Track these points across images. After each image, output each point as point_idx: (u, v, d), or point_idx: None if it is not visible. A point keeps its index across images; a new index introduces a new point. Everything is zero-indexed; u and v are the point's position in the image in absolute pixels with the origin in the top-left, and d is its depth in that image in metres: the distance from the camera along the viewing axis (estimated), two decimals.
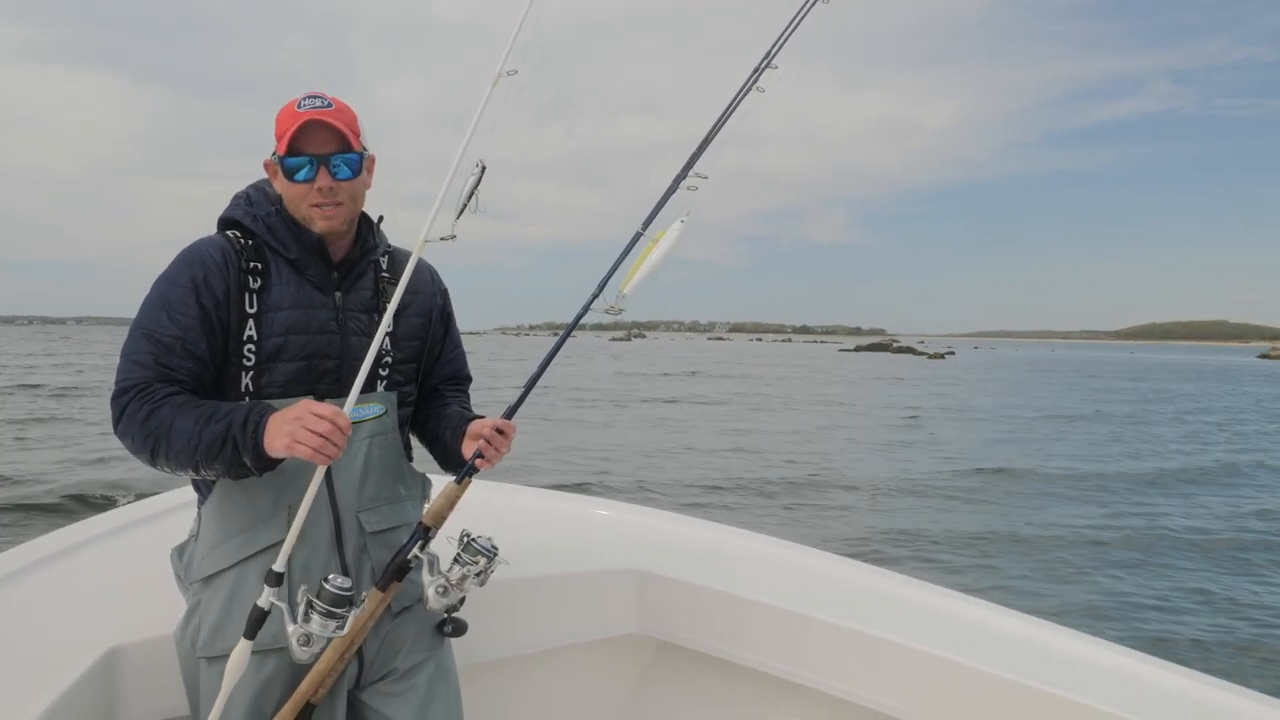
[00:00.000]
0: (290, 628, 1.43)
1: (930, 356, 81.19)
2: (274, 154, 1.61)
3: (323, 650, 1.48)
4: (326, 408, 1.44)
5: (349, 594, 1.45)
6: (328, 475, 1.60)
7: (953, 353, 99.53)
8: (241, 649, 1.42)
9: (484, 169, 1.55)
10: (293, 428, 1.41)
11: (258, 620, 1.43)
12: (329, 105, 1.60)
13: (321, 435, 1.41)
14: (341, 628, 1.44)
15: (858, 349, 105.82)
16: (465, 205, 1.54)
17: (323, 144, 1.58)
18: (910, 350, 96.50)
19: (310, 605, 1.43)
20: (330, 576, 1.45)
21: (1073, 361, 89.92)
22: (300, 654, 1.44)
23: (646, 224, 1.64)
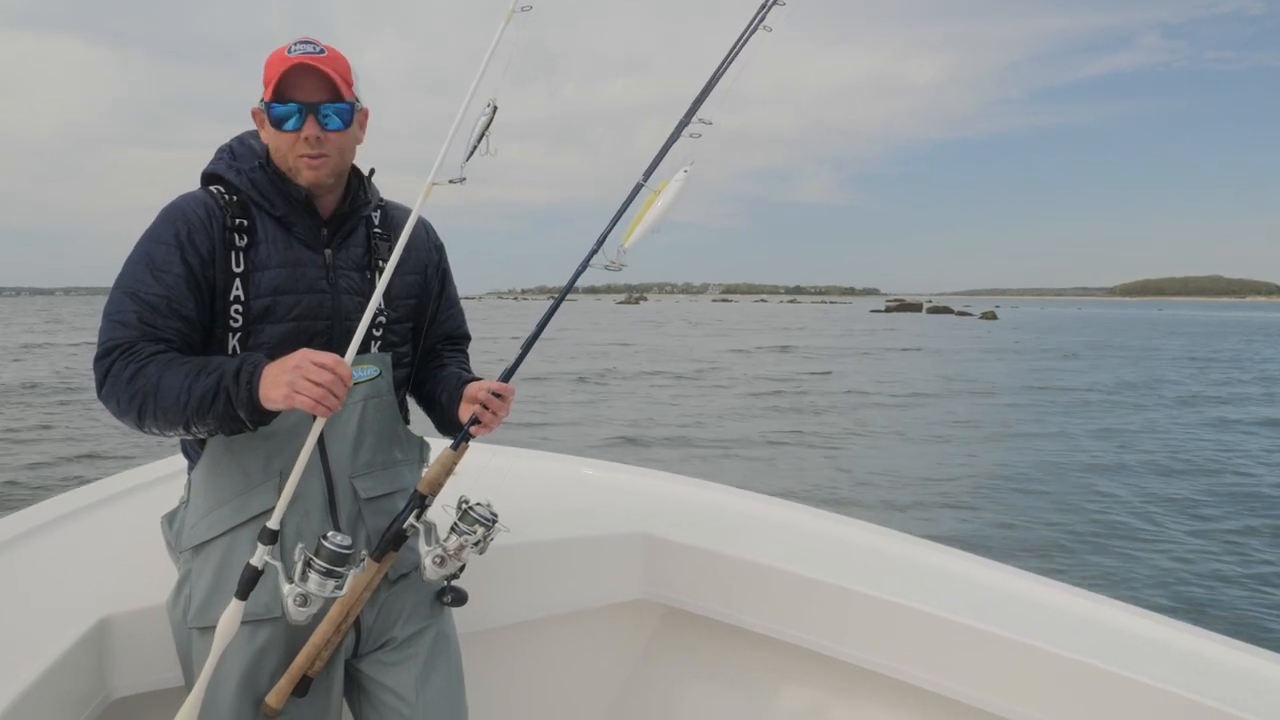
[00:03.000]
0: (286, 587, 1.46)
1: (981, 317, 78.81)
2: (261, 101, 1.62)
3: (321, 611, 1.52)
4: (327, 356, 1.45)
5: (348, 552, 1.48)
6: (320, 439, 1.62)
7: (994, 310, 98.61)
8: (233, 610, 1.46)
9: (495, 109, 1.55)
10: (292, 377, 1.43)
11: (251, 579, 1.46)
12: (321, 51, 1.60)
13: (322, 385, 1.43)
14: (340, 587, 1.48)
15: (888, 309, 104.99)
16: (475, 146, 1.55)
17: (311, 91, 1.59)
18: (946, 310, 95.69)
19: (308, 564, 1.46)
20: (329, 534, 1.48)
21: (1121, 320, 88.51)
22: (297, 615, 1.47)
23: (648, 174, 1.64)
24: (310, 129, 1.59)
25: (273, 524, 1.47)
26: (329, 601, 1.51)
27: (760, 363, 28.93)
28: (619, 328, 55.88)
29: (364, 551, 1.61)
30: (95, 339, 1.58)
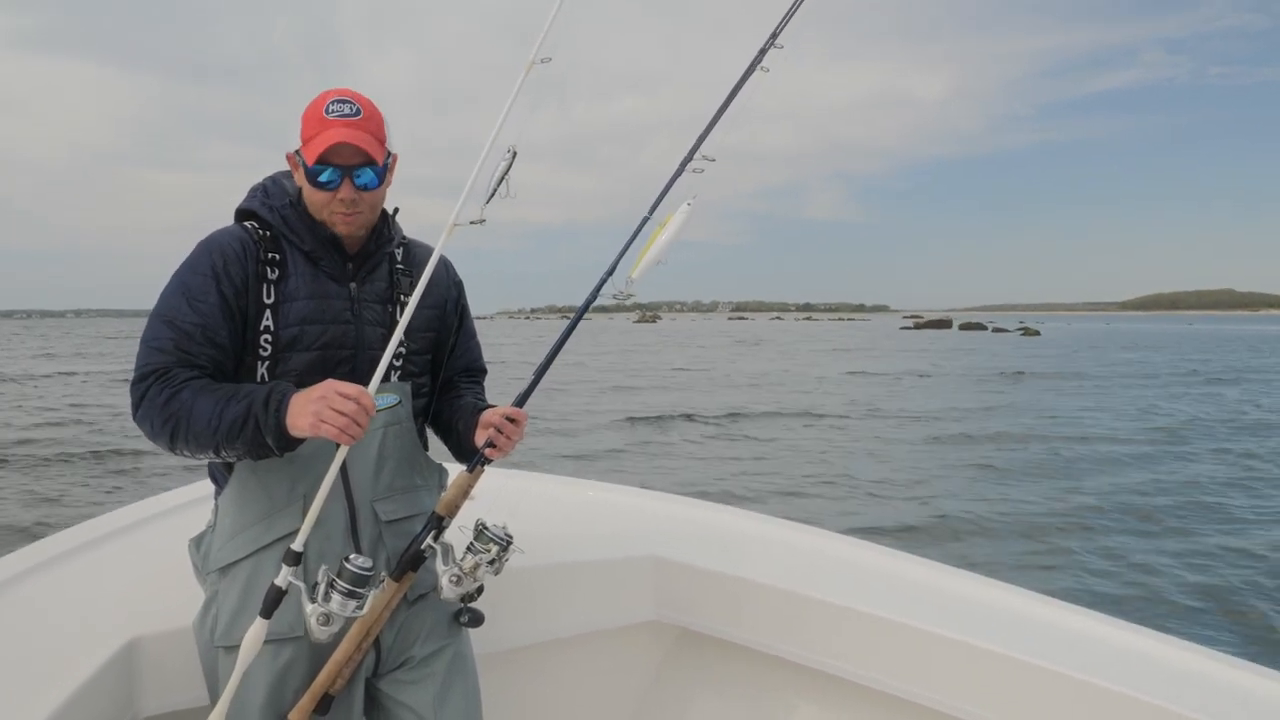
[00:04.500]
0: (309, 607, 1.56)
1: (1022, 334, 76.67)
2: (297, 152, 1.75)
3: (342, 630, 1.62)
4: (351, 387, 1.56)
5: (369, 573, 1.58)
6: (343, 464, 1.72)
7: (1024, 324, 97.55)
8: (257, 628, 1.56)
9: (515, 155, 1.68)
10: (318, 407, 1.54)
11: (275, 599, 1.56)
12: (358, 113, 1.72)
13: (347, 415, 1.54)
14: (361, 607, 1.58)
15: (916, 326, 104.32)
16: (495, 190, 1.67)
17: (349, 156, 1.71)
18: (979, 326, 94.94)
19: (331, 585, 1.56)
20: (351, 556, 1.58)
21: (1170, 335, 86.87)
22: (319, 633, 1.57)
23: (653, 208, 1.75)
24: (346, 191, 1.72)
25: (297, 546, 1.57)
26: (350, 620, 1.61)
27: (907, 394, 23.61)
28: (678, 347, 51.75)
29: (384, 573, 1.71)
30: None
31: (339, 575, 1.57)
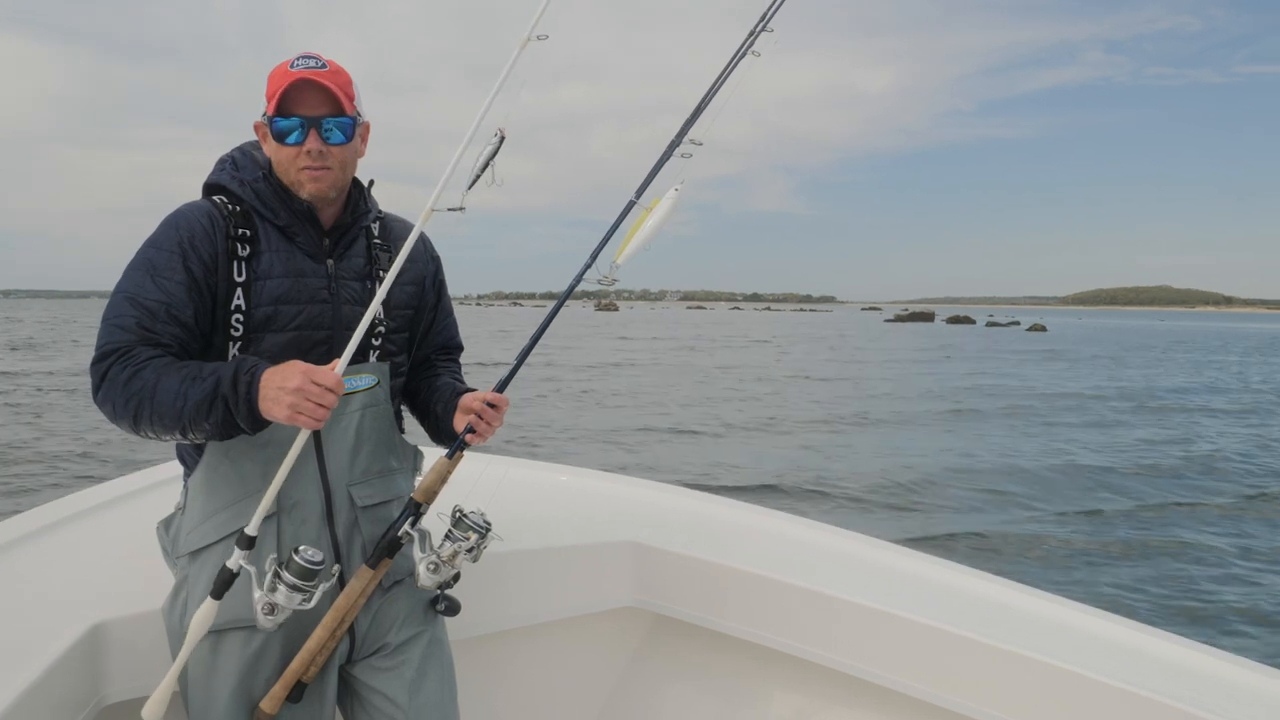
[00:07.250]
0: (255, 594, 1.58)
1: (1030, 329, 75.68)
2: (264, 115, 1.75)
3: (302, 620, 1.65)
4: (328, 376, 1.57)
5: (318, 567, 1.60)
6: (318, 448, 1.76)
7: (1017, 319, 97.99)
8: (207, 608, 1.59)
9: (502, 139, 1.67)
10: (294, 400, 1.54)
11: (225, 581, 1.59)
12: (323, 66, 1.73)
13: (324, 407, 1.56)
14: (308, 601, 1.59)
15: (898, 319, 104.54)
16: (479, 175, 1.66)
17: (314, 106, 1.72)
18: (967, 320, 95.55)
19: (277, 575, 1.58)
20: (300, 548, 1.60)
21: (1169, 331, 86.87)
22: (265, 623, 1.60)
23: (640, 192, 1.78)
24: (313, 143, 1.72)
25: (251, 530, 1.60)
26: (298, 613, 1.63)
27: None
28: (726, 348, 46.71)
29: (336, 566, 1.73)
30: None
31: (286, 567, 1.59)
